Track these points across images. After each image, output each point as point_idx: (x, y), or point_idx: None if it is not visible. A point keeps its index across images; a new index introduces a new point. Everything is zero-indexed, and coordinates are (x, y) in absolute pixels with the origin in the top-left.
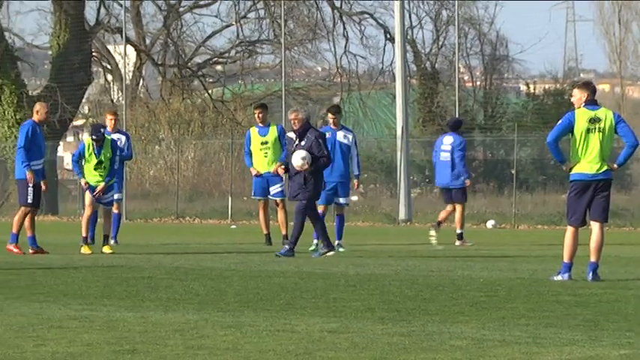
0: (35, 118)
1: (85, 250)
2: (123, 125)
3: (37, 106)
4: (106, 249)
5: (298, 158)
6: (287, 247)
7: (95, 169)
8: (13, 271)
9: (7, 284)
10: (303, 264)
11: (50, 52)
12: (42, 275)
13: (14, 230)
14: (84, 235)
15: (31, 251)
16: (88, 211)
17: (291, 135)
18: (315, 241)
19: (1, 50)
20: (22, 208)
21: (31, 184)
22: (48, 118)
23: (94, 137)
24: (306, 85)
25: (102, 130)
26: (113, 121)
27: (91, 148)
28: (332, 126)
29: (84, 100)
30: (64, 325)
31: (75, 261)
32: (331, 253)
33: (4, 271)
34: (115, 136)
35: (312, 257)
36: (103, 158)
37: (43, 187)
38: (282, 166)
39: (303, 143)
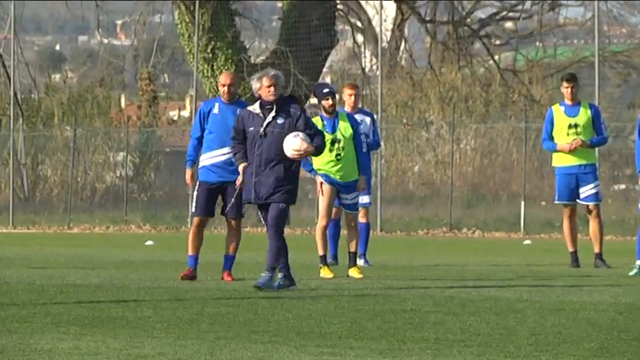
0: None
1: (324, 273)
2: (378, 103)
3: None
4: (352, 272)
5: (294, 139)
6: (280, 276)
7: (331, 151)
8: (230, 302)
9: (220, 319)
10: (621, 293)
11: (280, 6)
12: (267, 307)
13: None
14: (320, 253)
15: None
16: (322, 221)
17: (255, 109)
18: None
19: (213, 3)
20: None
21: (195, 188)
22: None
23: (323, 92)
24: (628, 49)
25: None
26: (353, 98)
27: (320, 123)
28: None
29: (325, 70)
30: None
31: (312, 288)
32: (293, 287)
33: (217, 302)
34: (357, 118)
35: (274, 288)
36: (339, 135)
37: (237, 187)
38: (240, 181)
39: (281, 121)
